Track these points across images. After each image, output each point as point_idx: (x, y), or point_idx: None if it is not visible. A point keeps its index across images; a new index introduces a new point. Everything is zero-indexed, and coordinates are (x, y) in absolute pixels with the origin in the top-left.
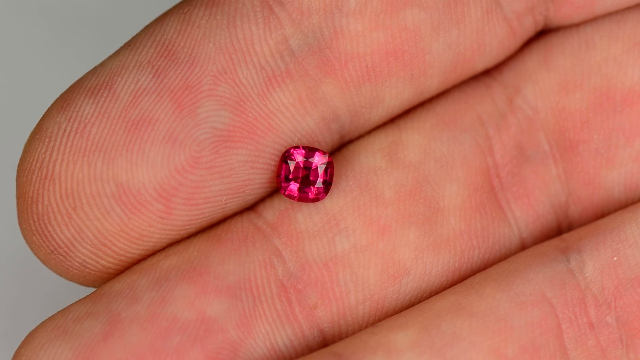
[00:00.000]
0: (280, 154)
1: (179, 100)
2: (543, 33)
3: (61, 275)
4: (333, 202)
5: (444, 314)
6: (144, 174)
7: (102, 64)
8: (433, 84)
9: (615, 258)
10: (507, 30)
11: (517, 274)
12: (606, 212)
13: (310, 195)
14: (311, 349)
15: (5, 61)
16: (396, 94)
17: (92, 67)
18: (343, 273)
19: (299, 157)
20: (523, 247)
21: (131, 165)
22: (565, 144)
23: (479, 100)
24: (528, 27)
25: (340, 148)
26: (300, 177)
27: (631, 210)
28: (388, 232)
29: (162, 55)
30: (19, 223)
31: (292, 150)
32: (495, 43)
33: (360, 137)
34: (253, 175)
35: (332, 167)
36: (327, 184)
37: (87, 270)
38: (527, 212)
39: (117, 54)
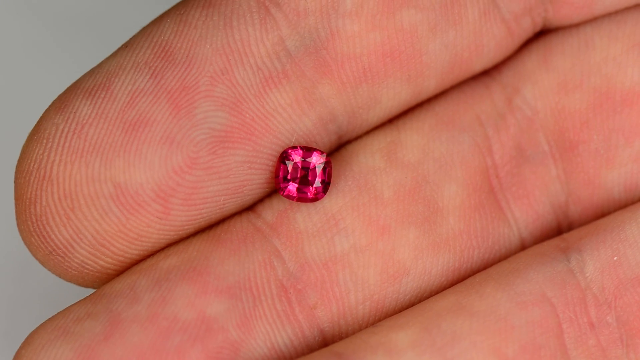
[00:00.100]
0: (278, 155)
1: (176, 101)
2: (542, 33)
3: (60, 276)
4: (332, 202)
5: (444, 313)
6: (142, 174)
7: (99, 65)
8: (430, 85)
9: (615, 258)
10: (504, 31)
11: (518, 274)
12: (606, 212)
13: (309, 195)
14: (311, 349)
15: (3, 62)
16: (393, 95)
17: (89, 68)
18: (343, 273)
19: (297, 158)
20: (523, 247)
21: (129, 166)
22: (565, 144)
23: (478, 101)
24: (526, 28)
25: (338, 149)
26: (298, 177)
27: (631, 210)
28: (387, 232)
29: (159, 56)
30: (18, 224)
31: (289, 150)
32: (492, 44)
33: (358, 137)
34: (251, 176)
35: (330, 167)
36: (326, 184)
37: (85, 270)
38: (526, 212)
39: (114, 55)
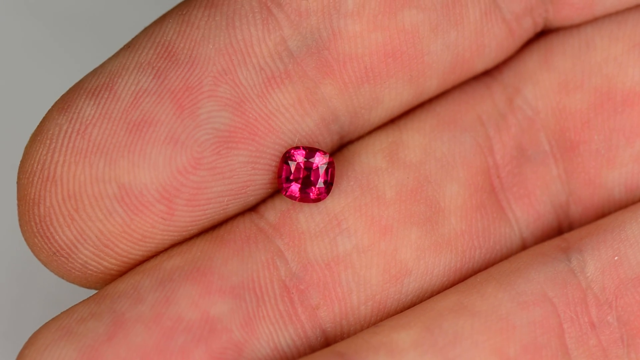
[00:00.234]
0: (281, 155)
1: (180, 101)
2: (543, 34)
3: (63, 277)
4: (334, 203)
5: (446, 313)
6: (146, 175)
7: (102, 66)
8: (432, 85)
9: (616, 258)
10: (505, 32)
11: (519, 274)
12: (607, 212)
13: (312, 196)
14: (314, 349)
15: (6, 63)
16: (395, 95)
17: (92, 68)
18: (345, 273)
19: (300, 158)
20: (524, 246)
21: (133, 167)
22: (565, 144)
23: (479, 101)
24: (527, 28)
25: (340, 149)
26: (301, 177)
27: (632, 210)
28: (389, 232)
29: (162, 57)
30: (20, 225)
31: (292, 150)
32: (494, 44)
33: (360, 137)
34: (254, 176)
35: (333, 167)
36: (328, 184)
37: (89, 271)
38: (527, 212)
39: (117, 55)
